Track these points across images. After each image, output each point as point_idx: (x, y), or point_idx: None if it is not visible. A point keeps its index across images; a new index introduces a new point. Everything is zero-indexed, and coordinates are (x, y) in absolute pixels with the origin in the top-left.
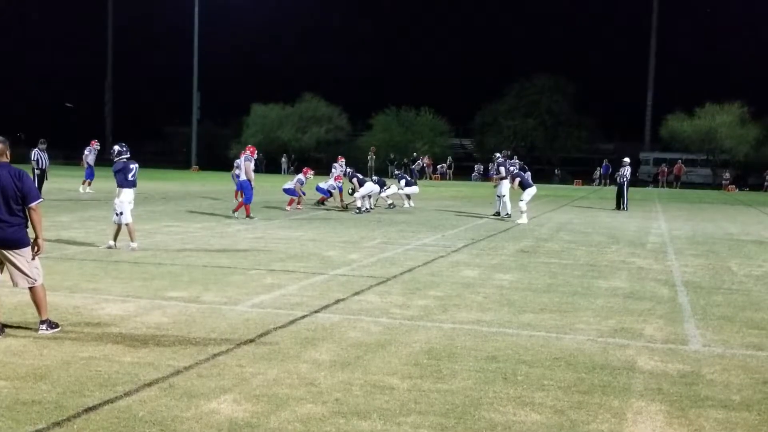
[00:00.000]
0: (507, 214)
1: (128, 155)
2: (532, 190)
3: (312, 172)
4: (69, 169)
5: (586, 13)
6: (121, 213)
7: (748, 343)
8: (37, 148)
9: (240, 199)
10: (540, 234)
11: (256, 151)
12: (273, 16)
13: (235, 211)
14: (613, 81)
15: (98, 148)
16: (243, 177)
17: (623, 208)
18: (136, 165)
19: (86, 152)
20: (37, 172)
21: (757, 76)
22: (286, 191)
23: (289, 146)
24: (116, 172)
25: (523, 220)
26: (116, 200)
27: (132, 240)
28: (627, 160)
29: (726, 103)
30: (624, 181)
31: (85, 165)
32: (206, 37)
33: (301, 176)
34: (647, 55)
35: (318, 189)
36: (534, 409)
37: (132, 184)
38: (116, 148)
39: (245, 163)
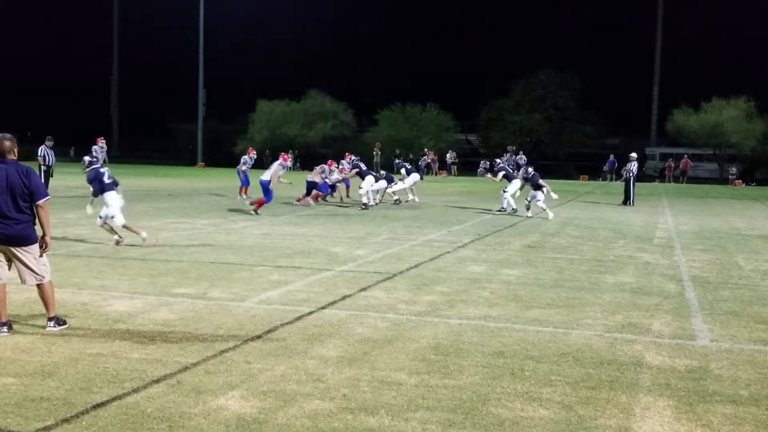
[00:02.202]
0: (513, 209)
1: (99, 164)
2: (545, 191)
3: (335, 165)
4: (75, 167)
5: (591, 7)
6: (113, 217)
7: (756, 338)
8: (43, 145)
9: (250, 196)
10: (546, 229)
11: (289, 159)
12: (277, 13)
13: (245, 197)
14: (619, 76)
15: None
16: (266, 177)
17: (630, 204)
18: (106, 168)
19: (96, 150)
20: (43, 168)
21: (764, 70)
22: (310, 185)
23: (294, 142)
24: (91, 182)
25: (550, 214)
26: (104, 207)
27: (139, 234)
28: (634, 155)
29: (732, 98)
30: (631, 176)
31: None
32: (211, 33)
33: (326, 167)
34: (653, 50)
35: (320, 188)
36: (542, 404)
37: (112, 186)
38: (86, 159)
39: (276, 167)
